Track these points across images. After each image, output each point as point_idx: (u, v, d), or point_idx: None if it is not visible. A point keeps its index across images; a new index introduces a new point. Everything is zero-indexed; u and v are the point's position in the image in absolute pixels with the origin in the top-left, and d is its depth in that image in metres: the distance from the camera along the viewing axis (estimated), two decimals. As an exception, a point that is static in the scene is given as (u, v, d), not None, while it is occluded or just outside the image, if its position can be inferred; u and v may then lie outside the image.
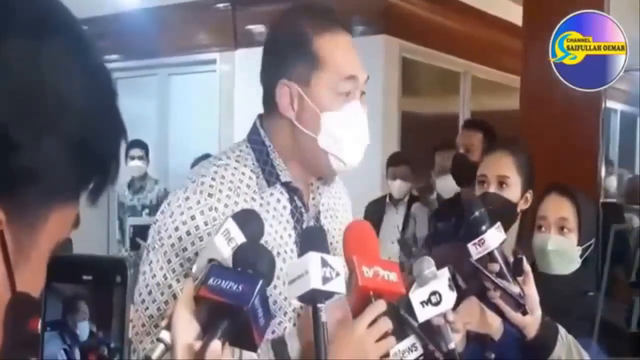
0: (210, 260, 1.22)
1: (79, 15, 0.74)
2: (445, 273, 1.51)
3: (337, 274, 1.22)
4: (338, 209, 1.68)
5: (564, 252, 2.15)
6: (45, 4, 0.70)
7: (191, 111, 6.97)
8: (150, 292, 1.44)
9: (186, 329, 1.11)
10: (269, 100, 1.55)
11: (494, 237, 1.68)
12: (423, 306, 1.48)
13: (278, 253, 1.49)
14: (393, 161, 4.91)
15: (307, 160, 1.55)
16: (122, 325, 0.73)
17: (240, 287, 1.09)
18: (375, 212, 4.82)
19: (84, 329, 0.73)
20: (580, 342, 1.80)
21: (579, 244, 2.16)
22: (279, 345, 1.43)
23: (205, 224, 1.43)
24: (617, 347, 2.11)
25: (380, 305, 1.31)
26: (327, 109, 1.50)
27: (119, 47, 6.50)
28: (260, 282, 1.11)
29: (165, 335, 1.12)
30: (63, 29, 0.70)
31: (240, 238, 1.22)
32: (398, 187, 4.82)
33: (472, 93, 7.00)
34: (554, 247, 2.15)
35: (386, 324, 1.30)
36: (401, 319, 1.50)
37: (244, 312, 1.08)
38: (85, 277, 0.74)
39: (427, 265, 1.51)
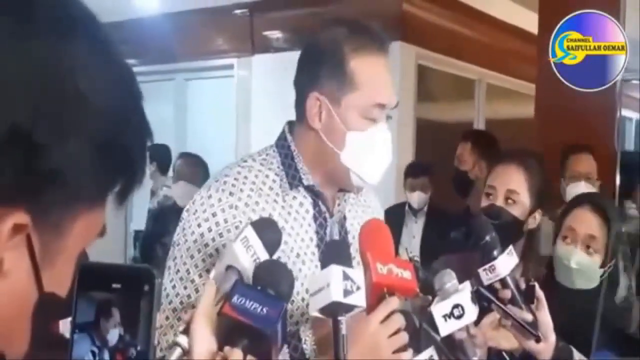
0: (229, 267, 1.24)
1: (97, 20, 0.72)
2: (467, 286, 1.50)
3: (358, 288, 1.23)
4: (366, 218, 1.68)
5: (586, 272, 2.11)
6: (67, 5, 0.70)
7: (208, 116, 6.97)
8: (174, 287, 1.49)
9: (204, 340, 1.11)
10: (300, 107, 1.59)
11: (506, 263, 1.64)
12: (445, 320, 1.46)
13: (298, 254, 1.53)
14: (411, 173, 4.83)
15: (329, 171, 1.58)
16: (149, 331, 0.75)
17: (264, 310, 1.10)
18: (395, 220, 4.73)
19: (114, 334, 0.76)
20: (599, 355, 1.80)
21: (602, 265, 2.11)
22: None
23: (225, 221, 1.48)
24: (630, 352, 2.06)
25: (393, 302, 1.32)
26: (353, 128, 1.53)
27: (137, 52, 6.53)
28: (284, 306, 1.12)
29: (182, 340, 1.13)
30: (86, 31, 0.70)
31: (258, 246, 1.24)
32: (417, 198, 4.75)
33: (487, 100, 6.99)
34: (577, 265, 2.10)
35: (399, 320, 1.32)
36: (424, 333, 1.51)
37: (266, 335, 1.09)
38: (114, 286, 0.76)
39: (449, 278, 1.50)
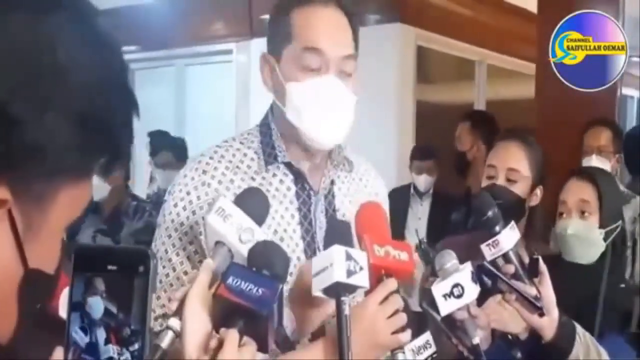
0: (217, 243, 1.23)
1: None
2: (468, 266, 1.49)
3: (361, 268, 1.23)
4: (361, 197, 1.66)
5: (584, 236, 2.10)
6: None
7: (208, 101, 6.97)
8: None
9: (199, 322, 1.10)
10: None
11: (509, 237, 1.64)
12: (446, 299, 1.46)
13: (276, 231, 1.52)
14: (419, 155, 4.78)
15: (291, 137, 1.56)
16: (144, 310, 0.75)
17: (260, 291, 1.09)
18: (400, 203, 4.71)
19: (97, 304, 0.76)
20: (609, 339, 1.78)
21: (601, 226, 2.10)
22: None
23: (198, 198, 1.50)
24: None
25: (391, 284, 1.32)
26: (291, 79, 1.51)
27: (136, 38, 6.52)
28: (280, 287, 1.12)
29: (174, 323, 1.12)
30: (67, 3, 0.69)
31: (238, 214, 1.23)
32: (424, 181, 4.72)
33: (488, 81, 6.96)
34: (574, 231, 2.09)
35: (397, 302, 1.31)
36: (425, 313, 1.50)
37: (262, 316, 1.08)
38: (110, 267, 0.76)
39: (449, 258, 1.49)
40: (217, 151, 1.57)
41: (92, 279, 0.76)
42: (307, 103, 1.50)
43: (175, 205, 1.51)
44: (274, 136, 1.58)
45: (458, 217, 3.89)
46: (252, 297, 1.09)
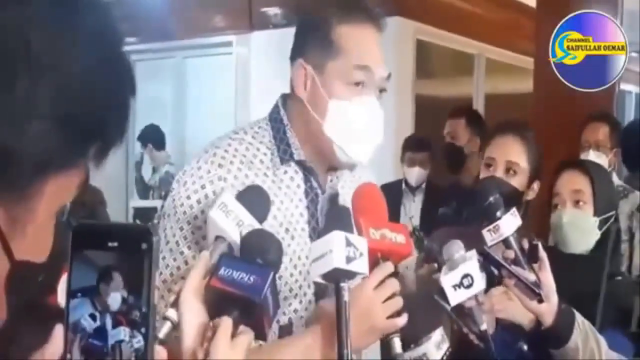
0: (217, 238, 1.24)
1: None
2: (474, 255, 1.50)
3: (361, 254, 1.22)
4: None
5: (578, 224, 2.10)
6: None
7: (207, 94, 6.94)
8: (163, 258, 1.47)
9: (194, 313, 1.10)
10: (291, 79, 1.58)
11: (510, 223, 1.65)
12: (455, 289, 1.46)
13: (287, 229, 1.52)
14: (411, 146, 4.56)
15: (316, 145, 1.56)
16: (149, 291, 0.73)
17: (251, 279, 1.09)
18: (391, 201, 4.57)
19: (115, 298, 0.74)
20: (607, 335, 1.78)
21: (595, 214, 2.11)
22: (285, 333, 1.48)
23: (214, 193, 1.46)
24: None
25: (387, 267, 1.32)
26: (336, 97, 1.51)
27: (135, 30, 6.50)
28: (272, 274, 1.11)
29: (172, 313, 1.13)
30: None
31: (240, 210, 1.24)
32: (417, 174, 4.52)
33: (486, 75, 6.95)
34: (568, 220, 2.10)
35: (393, 285, 1.31)
36: (435, 302, 1.51)
37: (256, 303, 1.08)
38: (110, 244, 0.73)
39: (457, 248, 1.50)
40: (231, 144, 1.54)
41: (111, 272, 0.74)
42: (351, 122, 1.51)
43: (189, 197, 1.48)
44: (288, 133, 1.56)
45: (446, 211, 3.88)
46: (244, 285, 1.09)
